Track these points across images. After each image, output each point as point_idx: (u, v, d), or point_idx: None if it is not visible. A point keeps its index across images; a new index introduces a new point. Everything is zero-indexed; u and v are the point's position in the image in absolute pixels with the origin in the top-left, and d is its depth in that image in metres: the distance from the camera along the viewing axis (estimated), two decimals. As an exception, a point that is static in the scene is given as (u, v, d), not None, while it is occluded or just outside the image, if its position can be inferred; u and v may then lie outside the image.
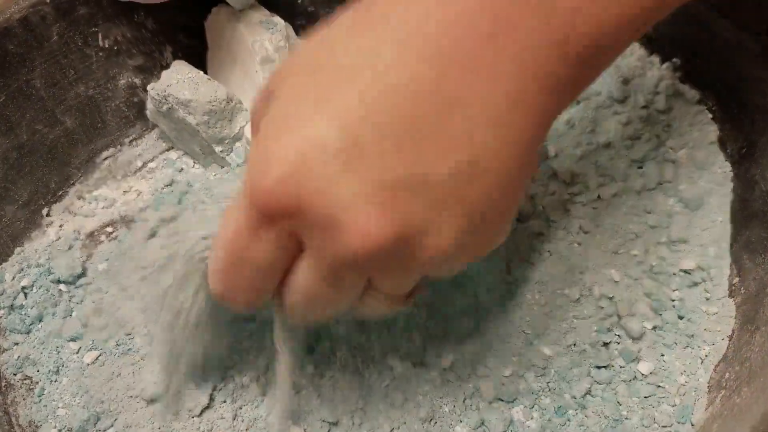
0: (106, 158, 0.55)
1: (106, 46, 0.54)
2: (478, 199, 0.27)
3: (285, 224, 0.28)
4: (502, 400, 0.43)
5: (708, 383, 0.42)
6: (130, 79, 0.56)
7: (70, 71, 0.53)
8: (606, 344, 0.44)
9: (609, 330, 0.44)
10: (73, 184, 0.53)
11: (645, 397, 0.43)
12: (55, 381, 0.44)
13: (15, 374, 0.44)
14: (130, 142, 0.57)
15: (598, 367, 0.43)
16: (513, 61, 0.26)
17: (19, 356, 0.45)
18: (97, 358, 0.44)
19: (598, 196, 0.48)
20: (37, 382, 0.44)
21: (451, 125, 0.26)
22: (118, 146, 0.56)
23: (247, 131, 0.51)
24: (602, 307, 0.45)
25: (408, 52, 0.26)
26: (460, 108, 0.26)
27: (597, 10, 0.27)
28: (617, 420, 0.42)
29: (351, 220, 0.26)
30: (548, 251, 0.46)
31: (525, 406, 0.43)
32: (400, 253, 0.27)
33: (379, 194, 0.26)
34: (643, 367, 0.43)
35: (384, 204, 0.26)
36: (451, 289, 0.44)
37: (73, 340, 0.45)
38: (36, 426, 0.42)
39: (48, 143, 0.52)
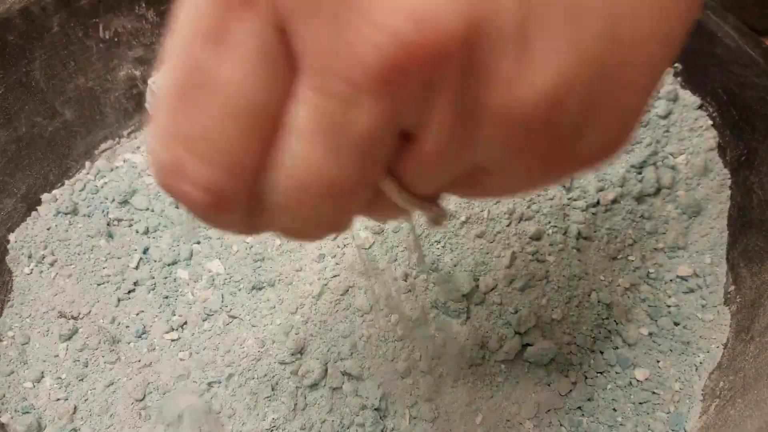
0: (104, 150, 0.55)
1: (107, 37, 0.54)
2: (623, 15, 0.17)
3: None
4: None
5: (702, 391, 0.42)
6: (130, 71, 0.56)
7: (70, 63, 0.52)
8: (602, 350, 0.45)
9: (606, 337, 0.44)
10: (72, 176, 0.53)
11: (640, 404, 0.43)
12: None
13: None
14: (129, 134, 0.56)
15: (595, 373, 0.44)
16: None
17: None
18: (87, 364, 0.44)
19: (597, 201, 0.48)
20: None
21: None
22: (117, 138, 0.56)
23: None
24: (599, 313, 0.45)
25: None
26: None
27: None
28: (611, 426, 0.42)
29: None
30: (547, 257, 0.47)
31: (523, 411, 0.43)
32: (464, 74, 0.16)
33: None
34: (639, 373, 0.44)
35: None
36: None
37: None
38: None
39: (47, 135, 0.52)
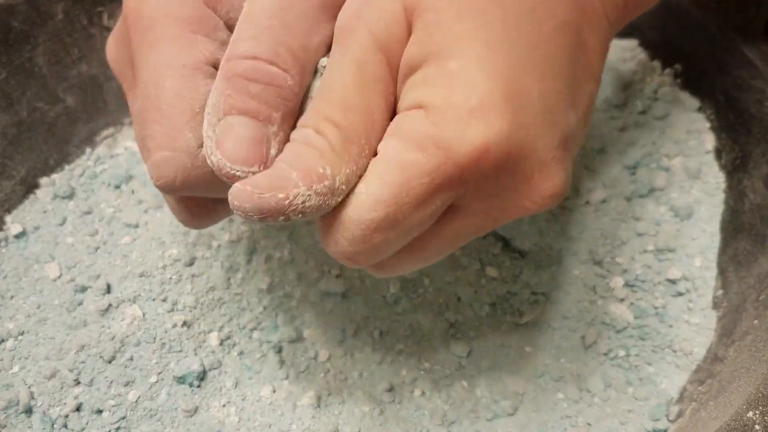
0: (105, 137, 0.56)
1: (111, 25, 0.55)
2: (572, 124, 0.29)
3: (471, 184, 0.27)
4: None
5: (681, 394, 0.42)
6: (133, 60, 0.56)
7: (73, 50, 0.53)
8: (586, 349, 0.44)
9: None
10: (71, 161, 0.54)
11: (621, 404, 0.43)
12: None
13: None
14: (131, 122, 0.57)
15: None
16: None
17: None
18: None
19: (587, 202, 0.48)
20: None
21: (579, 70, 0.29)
22: (119, 126, 0.57)
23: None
24: (585, 313, 0.45)
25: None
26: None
27: None
28: (590, 425, 0.42)
29: (547, 177, 0.28)
30: (530, 256, 0.46)
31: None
32: None
33: (561, 149, 0.28)
34: (621, 374, 0.43)
35: (563, 158, 0.28)
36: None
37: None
38: None
39: (48, 120, 0.53)
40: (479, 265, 0.46)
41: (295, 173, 0.25)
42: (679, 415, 0.40)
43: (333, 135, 0.26)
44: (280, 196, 0.25)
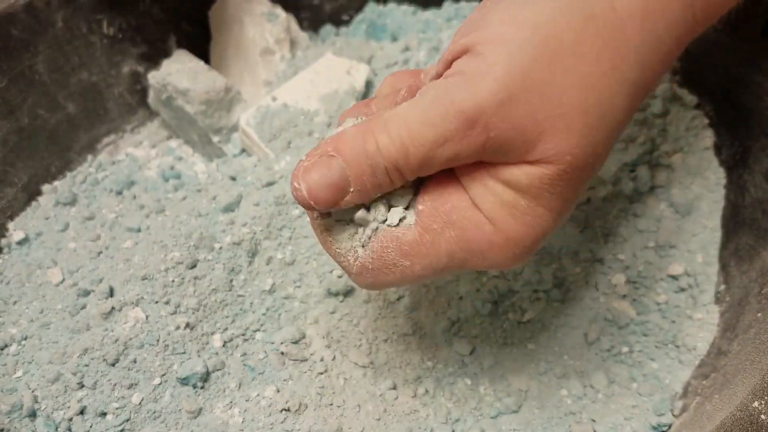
0: (107, 144, 0.56)
1: (111, 33, 0.55)
2: None
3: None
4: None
5: (686, 389, 0.42)
6: (133, 67, 0.57)
7: (73, 57, 0.54)
8: (589, 345, 0.44)
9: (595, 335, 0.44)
10: (73, 168, 0.54)
11: (625, 400, 0.43)
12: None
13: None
14: (132, 129, 0.58)
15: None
16: None
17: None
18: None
19: (588, 200, 0.48)
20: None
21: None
22: (120, 133, 0.57)
23: (243, 121, 0.52)
24: (587, 310, 0.45)
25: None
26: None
27: None
28: (594, 421, 0.42)
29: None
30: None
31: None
32: None
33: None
34: (624, 370, 0.43)
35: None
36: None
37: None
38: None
39: (49, 128, 0.53)
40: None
41: None
42: (684, 409, 0.40)
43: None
44: None
